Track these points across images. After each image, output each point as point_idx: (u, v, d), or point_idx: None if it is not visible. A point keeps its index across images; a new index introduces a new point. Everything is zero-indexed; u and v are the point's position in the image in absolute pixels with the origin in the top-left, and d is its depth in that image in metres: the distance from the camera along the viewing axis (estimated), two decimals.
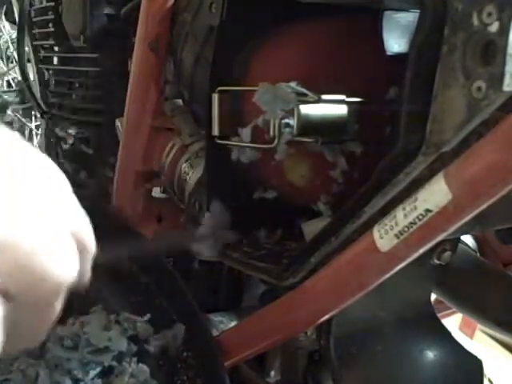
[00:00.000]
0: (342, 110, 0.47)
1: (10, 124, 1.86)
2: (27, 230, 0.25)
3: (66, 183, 0.30)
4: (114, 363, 0.53)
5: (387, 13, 0.54)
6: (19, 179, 0.26)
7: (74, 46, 0.93)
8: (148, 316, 0.57)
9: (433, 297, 0.63)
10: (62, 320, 0.34)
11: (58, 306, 0.28)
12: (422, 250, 0.39)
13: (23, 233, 0.24)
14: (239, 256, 0.55)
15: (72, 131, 1.04)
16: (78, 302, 0.41)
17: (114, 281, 0.59)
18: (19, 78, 1.80)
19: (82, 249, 0.28)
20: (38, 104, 1.14)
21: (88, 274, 0.30)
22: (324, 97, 0.46)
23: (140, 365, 0.54)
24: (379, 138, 0.50)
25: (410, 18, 0.53)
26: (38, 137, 1.80)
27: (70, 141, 0.99)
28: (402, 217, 0.38)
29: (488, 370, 1.41)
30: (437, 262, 0.53)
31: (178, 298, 0.59)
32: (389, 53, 0.53)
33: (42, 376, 0.50)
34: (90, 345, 0.53)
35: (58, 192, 0.28)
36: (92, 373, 0.52)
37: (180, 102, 0.75)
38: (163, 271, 0.61)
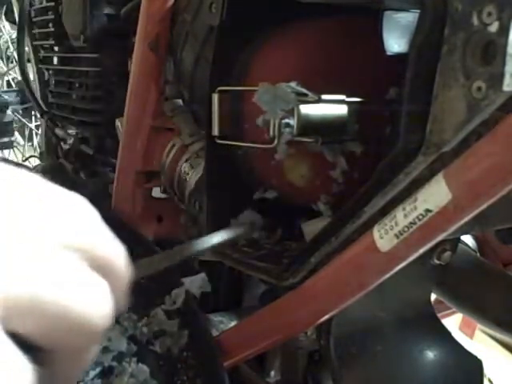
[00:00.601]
0: (342, 110, 0.47)
1: (10, 124, 1.86)
2: (49, 283, 0.23)
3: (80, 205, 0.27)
4: (114, 363, 0.53)
5: (387, 13, 0.54)
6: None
7: (74, 46, 0.93)
8: (148, 317, 0.57)
9: (433, 297, 0.63)
10: None
11: (95, 348, 0.27)
12: (422, 250, 0.39)
13: (46, 287, 0.23)
14: (239, 256, 0.55)
15: (72, 131, 1.04)
16: None
17: None
18: (19, 78, 1.80)
19: (109, 275, 0.26)
20: (38, 104, 1.14)
21: (123, 301, 0.29)
22: (324, 97, 0.46)
23: (140, 365, 0.54)
24: (379, 137, 0.50)
25: (410, 18, 0.53)
26: (38, 137, 1.80)
27: (70, 141, 0.99)
28: (402, 217, 0.38)
29: (488, 370, 1.41)
30: (437, 261, 0.53)
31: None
32: (389, 53, 0.53)
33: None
34: None
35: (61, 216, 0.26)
36: (92, 373, 0.52)
37: (180, 102, 0.75)
38: (164, 272, 0.61)
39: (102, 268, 0.26)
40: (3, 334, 0.22)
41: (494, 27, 0.32)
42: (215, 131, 0.55)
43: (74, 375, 0.27)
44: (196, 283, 0.58)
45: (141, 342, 0.56)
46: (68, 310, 0.23)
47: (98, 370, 0.52)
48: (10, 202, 0.24)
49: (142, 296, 0.58)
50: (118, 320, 0.56)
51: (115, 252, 0.27)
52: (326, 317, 0.49)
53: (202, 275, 0.58)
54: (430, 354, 0.57)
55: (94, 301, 0.25)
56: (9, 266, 0.22)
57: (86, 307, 0.24)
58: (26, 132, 2.04)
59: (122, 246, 0.28)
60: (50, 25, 1.02)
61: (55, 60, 1.07)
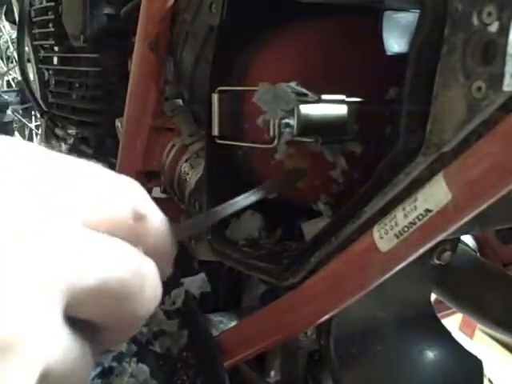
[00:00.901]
0: (342, 110, 0.47)
1: (10, 124, 1.86)
2: (109, 269, 0.24)
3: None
4: (114, 363, 0.53)
5: (387, 13, 0.54)
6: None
7: (74, 46, 0.93)
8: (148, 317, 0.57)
9: (433, 297, 0.63)
10: None
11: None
12: (422, 250, 0.39)
13: (109, 273, 0.23)
14: (239, 256, 0.55)
15: (72, 131, 1.04)
16: None
17: None
18: (19, 78, 1.80)
19: (155, 250, 0.27)
20: (38, 104, 1.14)
21: (169, 264, 0.29)
22: (324, 97, 0.46)
23: (140, 365, 0.54)
24: (379, 137, 0.50)
25: (410, 18, 0.53)
26: (38, 137, 1.80)
27: (70, 141, 0.99)
28: (402, 217, 0.38)
29: (488, 370, 1.41)
30: (437, 261, 0.53)
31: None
32: (389, 53, 0.53)
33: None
34: None
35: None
36: (92, 373, 0.52)
37: (180, 102, 0.75)
38: None
39: (145, 244, 0.26)
40: (63, 325, 0.22)
41: (494, 27, 0.32)
42: (215, 131, 0.55)
43: (116, 348, 0.28)
44: (195, 283, 0.58)
45: (140, 342, 0.56)
46: (129, 293, 0.24)
47: (98, 370, 0.52)
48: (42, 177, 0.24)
49: None
50: None
51: (156, 227, 0.28)
52: (326, 317, 0.49)
53: (202, 275, 0.58)
54: (430, 354, 0.57)
55: (149, 282, 0.26)
56: (70, 254, 0.23)
57: (143, 290, 0.25)
58: (26, 132, 2.04)
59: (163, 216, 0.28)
60: (50, 25, 1.02)
61: (55, 60, 1.07)
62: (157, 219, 0.28)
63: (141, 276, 0.25)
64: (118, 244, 0.25)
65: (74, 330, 0.24)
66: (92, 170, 0.27)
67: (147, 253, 0.26)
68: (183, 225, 0.44)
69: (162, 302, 0.59)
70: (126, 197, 0.27)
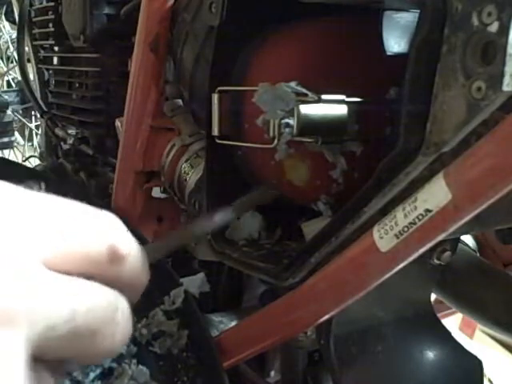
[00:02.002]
0: (342, 110, 0.47)
1: (10, 124, 1.86)
2: (78, 310, 0.23)
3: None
4: (114, 365, 0.53)
5: (387, 13, 0.54)
6: None
7: (74, 46, 0.93)
8: (148, 318, 0.57)
9: (433, 297, 0.63)
10: None
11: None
12: (422, 250, 0.39)
13: (79, 314, 0.23)
14: (239, 256, 0.55)
15: (72, 131, 1.04)
16: None
17: None
18: (19, 78, 1.80)
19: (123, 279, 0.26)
20: (38, 104, 1.14)
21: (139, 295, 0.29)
22: (324, 97, 0.46)
23: (140, 367, 0.54)
24: (379, 137, 0.50)
25: (410, 18, 0.53)
26: (38, 137, 1.80)
27: (70, 141, 0.99)
28: (402, 217, 0.38)
29: (488, 370, 1.41)
30: (437, 262, 0.53)
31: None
32: (389, 53, 0.53)
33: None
34: None
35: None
36: (92, 375, 0.52)
37: (180, 102, 0.75)
38: (163, 272, 0.61)
39: (120, 283, 0.26)
40: (27, 369, 0.22)
41: (494, 27, 0.32)
42: (215, 131, 0.55)
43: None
44: (195, 283, 0.58)
45: (140, 343, 0.56)
46: (97, 332, 0.24)
47: (97, 371, 0.52)
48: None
49: (140, 297, 0.58)
50: None
51: (133, 266, 0.27)
52: (326, 317, 0.49)
53: (201, 275, 0.58)
54: (430, 354, 0.57)
55: (118, 327, 0.25)
56: (32, 292, 0.22)
57: (113, 332, 0.25)
58: (26, 132, 2.04)
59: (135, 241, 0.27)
60: (50, 25, 1.02)
61: (55, 60, 1.06)
62: (134, 258, 0.27)
63: (109, 319, 0.25)
64: (82, 286, 0.24)
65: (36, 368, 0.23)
66: (69, 208, 0.25)
67: (121, 289, 0.26)
68: (156, 245, 0.43)
69: (162, 302, 0.59)
70: (102, 236, 0.25)
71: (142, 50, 0.70)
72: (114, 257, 0.25)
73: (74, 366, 0.26)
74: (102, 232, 0.25)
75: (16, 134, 2.00)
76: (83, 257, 0.25)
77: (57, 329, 0.22)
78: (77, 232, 0.25)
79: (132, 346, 0.55)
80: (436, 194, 0.36)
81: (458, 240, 0.56)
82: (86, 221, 0.25)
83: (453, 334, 0.59)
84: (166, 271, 0.61)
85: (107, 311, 0.25)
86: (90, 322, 0.24)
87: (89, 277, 0.25)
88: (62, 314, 0.22)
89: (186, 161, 0.68)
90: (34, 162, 1.59)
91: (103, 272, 0.25)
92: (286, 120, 0.47)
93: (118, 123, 0.79)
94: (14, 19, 1.59)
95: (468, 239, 0.80)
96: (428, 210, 0.36)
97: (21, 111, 1.97)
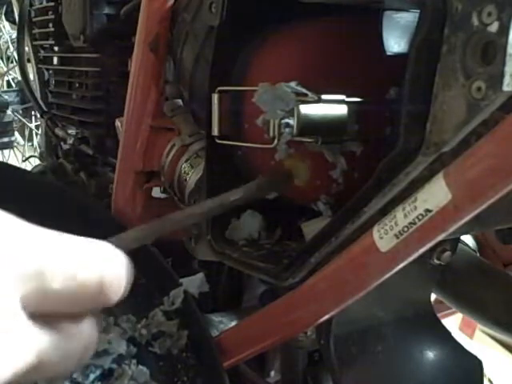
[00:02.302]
0: (342, 110, 0.47)
1: (10, 124, 1.86)
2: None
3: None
4: (114, 366, 0.53)
5: (387, 13, 0.54)
6: None
7: (74, 46, 0.93)
8: (147, 318, 0.57)
9: (433, 297, 0.63)
10: None
11: None
12: (422, 250, 0.39)
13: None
14: (239, 256, 0.55)
15: (72, 131, 1.04)
16: None
17: None
18: (19, 78, 1.80)
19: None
20: (38, 104, 1.14)
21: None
22: (324, 97, 0.46)
23: (140, 367, 0.54)
24: (379, 137, 0.50)
25: (410, 17, 0.53)
26: (38, 137, 1.80)
27: (70, 141, 0.99)
28: (402, 217, 0.38)
29: (488, 370, 1.41)
30: (437, 262, 0.53)
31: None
32: (389, 53, 0.53)
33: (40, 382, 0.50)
34: None
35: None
36: (92, 376, 0.52)
37: (180, 102, 0.75)
38: (162, 272, 0.61)
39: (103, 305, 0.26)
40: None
41: (494, 27, 0.32)
42: (215, 131, 0.55)
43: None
44: (194, 283, 0.58)
45: (140, 343, 0.56)
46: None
47: (97, 372, 0.52)
48: None
49: (140, 297, 0.58)
50: (116, 322, 0.56)
51: (119, 292, 0.27)
52: (326, 317, 0.49)
53: (200, 275, 0.58)
54: (430, 354, 0.57)
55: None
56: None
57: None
58: (26, 132, 2.04)
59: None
60: (50, 25, 1.02)
61: (55, 60, 1.07)
62: (121, 288, 0.27)
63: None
64: (51, 336, 0.24)
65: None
66: (56, 243, 0.25)
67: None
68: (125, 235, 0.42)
69: (161, 303, 0.59)
70: (90, 273, 0.25)
71: (142, 50, 0.70)
72: (101, 294, 0.26)
73: None
74: (90, 268, 0.25)
75: (16, 134, 2.00)
76: (66, 297, 0.25)
77: (18, 375, 0.23)
78: (62, 270, 0.24)
79: (132, 347, 0.55)
80: (436, 194, 0.36)
81: (458, 240, 0.56)
82: (73, 256, 0.25)
83: (453, 334, 0.59)
84: (165, 271, 0.61)
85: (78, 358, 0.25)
86: (56, 370, 0.24)
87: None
88: (25, 362, 0.23)
89: (186, 161, 0.68)
90: (33, 162, 1.59)
91: (89, 307, 0.26)
92: (286, 120, 0.47)
93: (118, 123, 0.79)
94: (14, 19, 1.59)
95: (468, 239, 0.80)
96: (428, 210, 0.36)
97: (21, 111, 1.97)
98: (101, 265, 0.26)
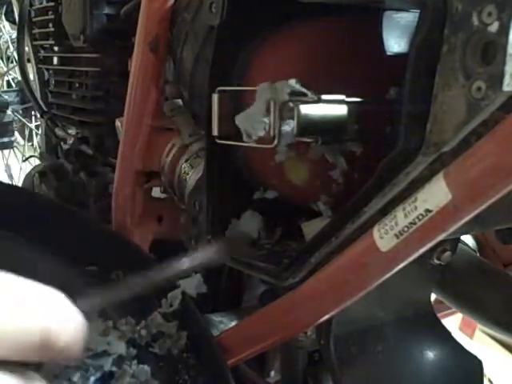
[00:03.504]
0: (342, 110, 0.47)
1: (10, 124, 1.86)
2: None
3: None
4: (114, 368, 0.52)
5: (387, 13, 0.54)
6: None
7: (74, 46, 0.93)
8: (147, 320, 0.57)
9: (433, 297, 0.63)
10: None
11: None
12: (422, 250, 0.39)
13: None
14: (239, 256, 0.55)
15: (72, 131, 1.04)
16: None
17: None
18: (19, 78, 1.80)
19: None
20: (38, 104, 1.14)
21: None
22: (324, 97, 0.46)
23: (141, 365, 0.53)
24: (379, 137, 0.50)
25: (410, 17, 0.53)
26: (38, 137, 1.80)
27: (70, 141, 0.99)
28: (402, 217, 0.38)
29: (488, 370, 1.41)
30: (437, 262, 0.53)
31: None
32: (389, 53, 0.53)
33: None
34: (89, 349, 0.52)
35: None
36: (92, 378, 0.51)
37: (180, 101, 0.75)
38: None
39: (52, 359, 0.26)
40: None
41: (494, 27, 0.32)
42: (215, 131, 0.55)
43: None
44: (192, 284, 0.58)
45: (140, 344, 0.56)
46: None
47: (98, 374, 0.52)
48: None
49: (138, 300, 0.58)
50: (115, 326, 0.56)
51: (68, 345, 0.26)
52: (326, 317, 0.49)
53: (198, 276, 0.58)
54: (430, 354, 0.57)
55: None
56: None
57: None
58: (26, 132, 2.03)
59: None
60: (50, 25, 1.02)
61: (55, 60, 1.06)
62: (69, 335, 0.26)
63: None
64: None
65: None
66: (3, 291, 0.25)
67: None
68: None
69: (160, 305, 0.58)
70: (34, 322, 0.25)
71: (142, 50, 0.70)
72: (46, 344, 0.25)
73: None
74: (35, 317, 0.25)
75: (16, 134, 2.00)
76: (11, 345, 0.24)
77: None
78: (7, 319, 0.24)
79: (132, 348, 0.55)
80: (436, 194, 0.36)
81: (458, 240, 0.56)
82: (19, 305, 0.25)
83: (453, 334, 0.59)
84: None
85: None
86: None
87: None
88: None
89: (185, 161, 0.68)
90: (33, 162, 1.59)
91: (35, 357, 0.25)
92: (286, 120, 0.47)
93: (118, 123, 0.79)
94: (14, 19, 1.59)
95: (468, 239, 0.80)
96: (428, 210, 0.36)
97: (21, 111, 1.97)
98: (47, 315, 0.25)
